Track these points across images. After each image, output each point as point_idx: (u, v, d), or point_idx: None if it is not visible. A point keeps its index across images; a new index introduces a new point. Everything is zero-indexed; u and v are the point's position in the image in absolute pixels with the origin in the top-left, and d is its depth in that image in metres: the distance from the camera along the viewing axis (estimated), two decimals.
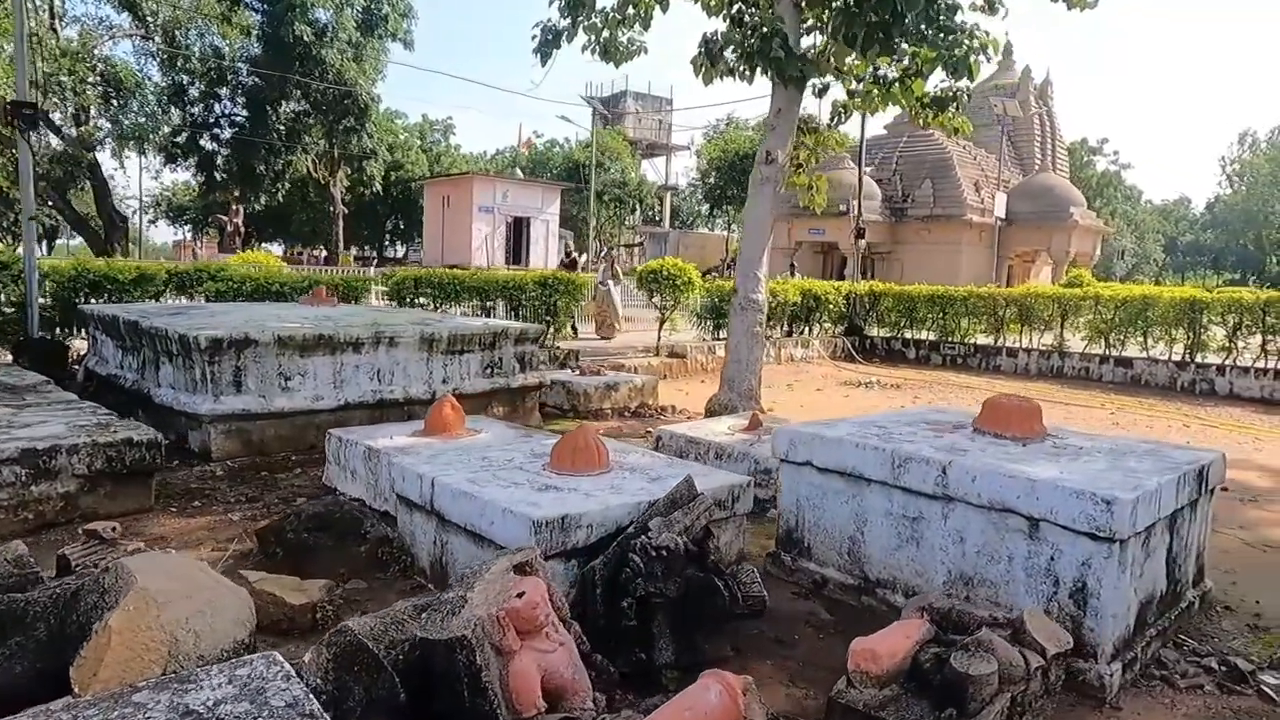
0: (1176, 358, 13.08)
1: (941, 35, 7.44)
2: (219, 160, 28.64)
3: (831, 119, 11.63)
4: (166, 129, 26.80)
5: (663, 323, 13.45)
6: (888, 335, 16.75)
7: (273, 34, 23.83)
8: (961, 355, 15.61)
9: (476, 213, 32.84)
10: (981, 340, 15.54)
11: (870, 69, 8.59)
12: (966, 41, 7.34)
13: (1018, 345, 14.98)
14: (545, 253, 35.18)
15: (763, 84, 10.74)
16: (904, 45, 7.82)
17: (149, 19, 24.73)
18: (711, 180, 47.90)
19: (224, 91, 26.90)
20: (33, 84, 20.40)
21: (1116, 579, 3.04)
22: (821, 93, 10.73)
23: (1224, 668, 3.37)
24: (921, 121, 10.91)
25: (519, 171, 48.03)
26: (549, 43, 8.95)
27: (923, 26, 7.35)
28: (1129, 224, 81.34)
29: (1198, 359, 12.93)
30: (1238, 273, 73.88)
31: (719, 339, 14.45)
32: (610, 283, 16.51)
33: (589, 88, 54.10)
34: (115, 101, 23.37)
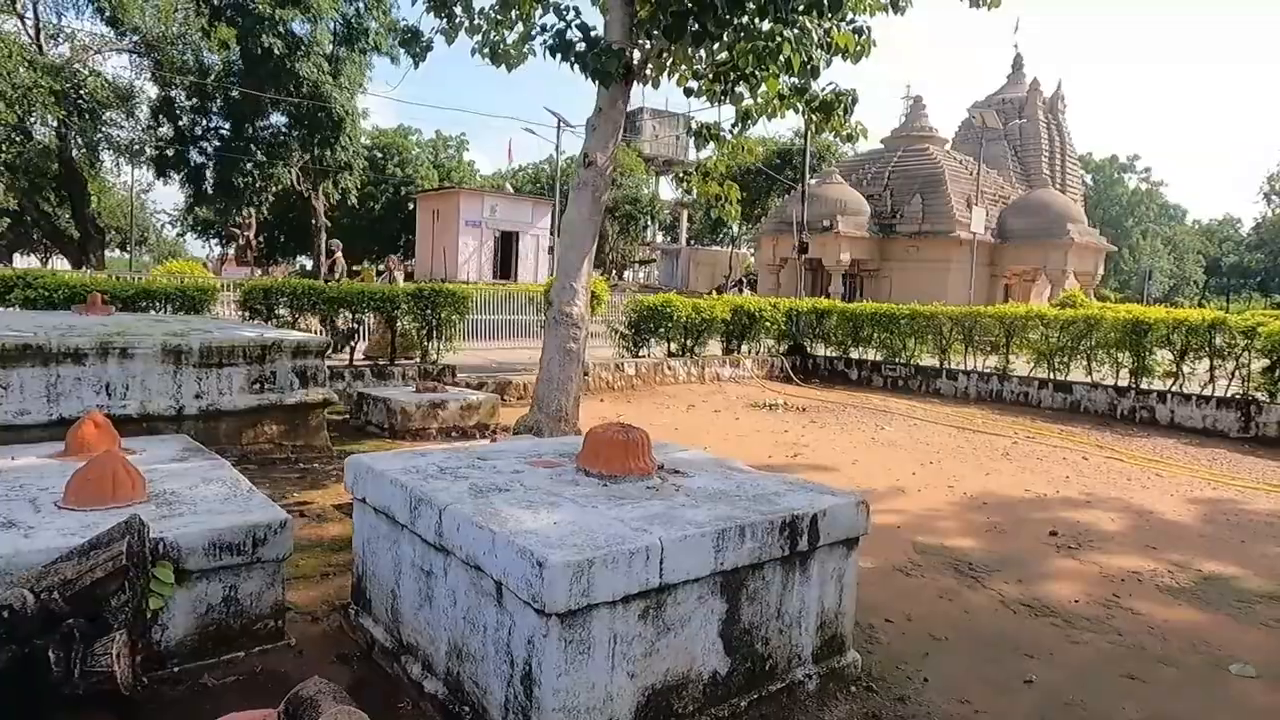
0: (1121, 383, 12.11)
1: (761, 28, 6.82)
2: (207, 174, 28.89)
3: (733, 125, 11.02)
4: (152, 142, 27.11)
5: None
6: (833, 355, 15.96)
7: (246, 48, 23.95)
8: (903, 377, 14.75)
9: (464, 226, 32.69)
10: (925, 362, 14.68)
11: (707, 68, 7.97)
12: (783, 37, 6.70)
13: (960, 368, 14.09)
14: (535, 267, 34.88)
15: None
16: (726, 38, 7.18)
17: (131, 33, 25.08)
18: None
19: (208, 105, 27.13)
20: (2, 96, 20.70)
21: (560, 665, 2.39)
22: (723, 96, 10.21)
23: None
24: (814, 128, 10.33)
25: (509, 186, 47.89)
26: (410, 41, 8.48)
27: (739, 18, 6.74)
28: (1166, 244, 78.65)
29: (1143, 384, 11.95)
30: None
31: (640, 356, 13.86)
32: None
33: None
34: (95, 113, 23.64)
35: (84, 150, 22.88)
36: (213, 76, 25.87)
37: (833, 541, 3.19)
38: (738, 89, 7.93)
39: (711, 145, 11.27)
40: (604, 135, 7.41)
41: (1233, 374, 11.10)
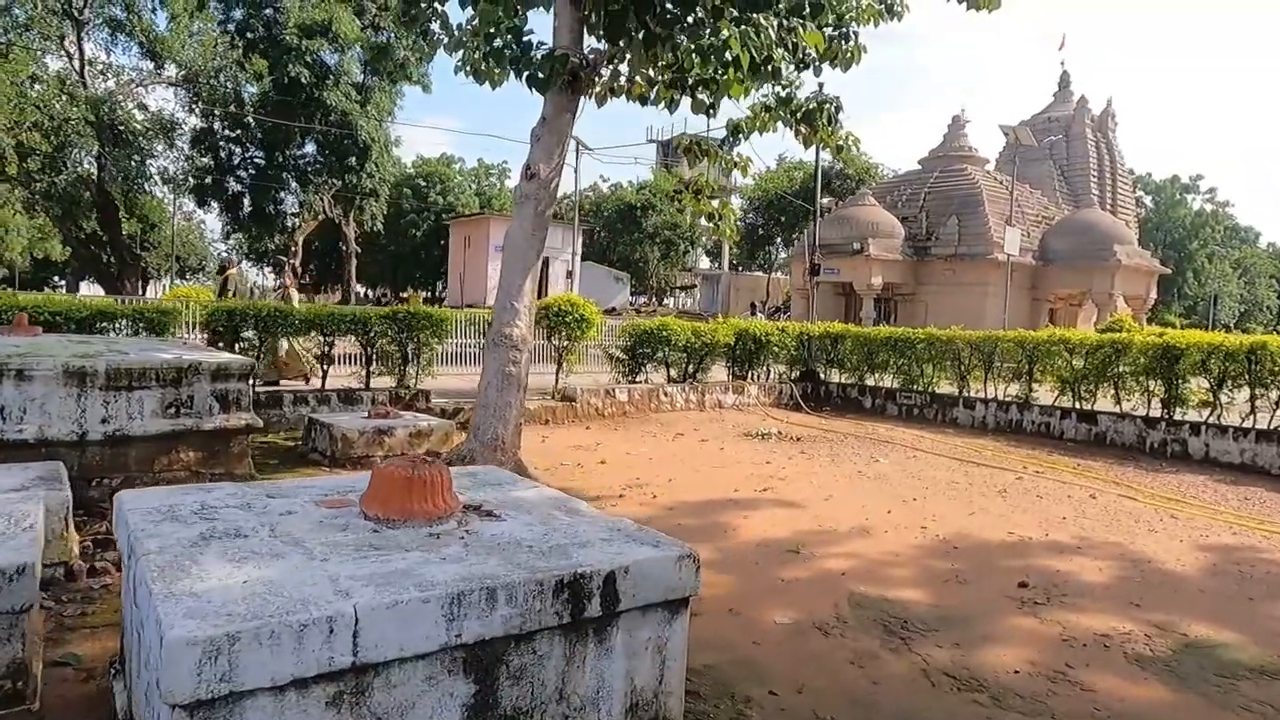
0: (1152, 413, 11.12)
1: (711, 27, 6.34)
2: (245, 202, 29.52)
3: (722, 140, 10.56)
4: (192, 172, 27.83)
5: (560, 364, 12.43)
6: (848, 382, 15.17)
7: (278, 78, 24.44)
8: (919, 406, 13.89)
9: (493, 252, 32.73)
10: (943, 389, 13.82)
11: (659, 72, 7.49)
12: (723, 38, 6.19)
13: (980, 396, 13.19)
14: (566, 291, 34.71)
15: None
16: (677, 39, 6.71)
17: (172, 66, 25.86)
18: (750, 219, 46.70)
19: (244, 135, 27.75)
20: (34, 125, 21.40)
21: None
22: (709, 110, 9.79)
23: None
24: (802, 141, 9.81)
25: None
26: (379, 56, 8.29)
27: (687, 15, 6.28)
28: (1235, 268, 75.07)
29: (1175, 415, 10.95)
30: None
31: (635, 382, 13.35)
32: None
33: (649, 131, 53.95)
34: (133, 144, 24.34)
35: (119, 180, 23.50)
36: (248, 107, 26.51)
37: (644, 605, 2.62)
38: (698, 94, 7.41)
39: (704, 161, 10.87)
40: (548, 146, 7.00)
41: (1276, 404, 10.07)
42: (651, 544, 2.77)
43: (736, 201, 54.73)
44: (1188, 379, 11.01)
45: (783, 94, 9.49)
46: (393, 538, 2.67)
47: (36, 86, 20.93)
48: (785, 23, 7.30)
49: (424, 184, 52.97)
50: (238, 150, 28.20)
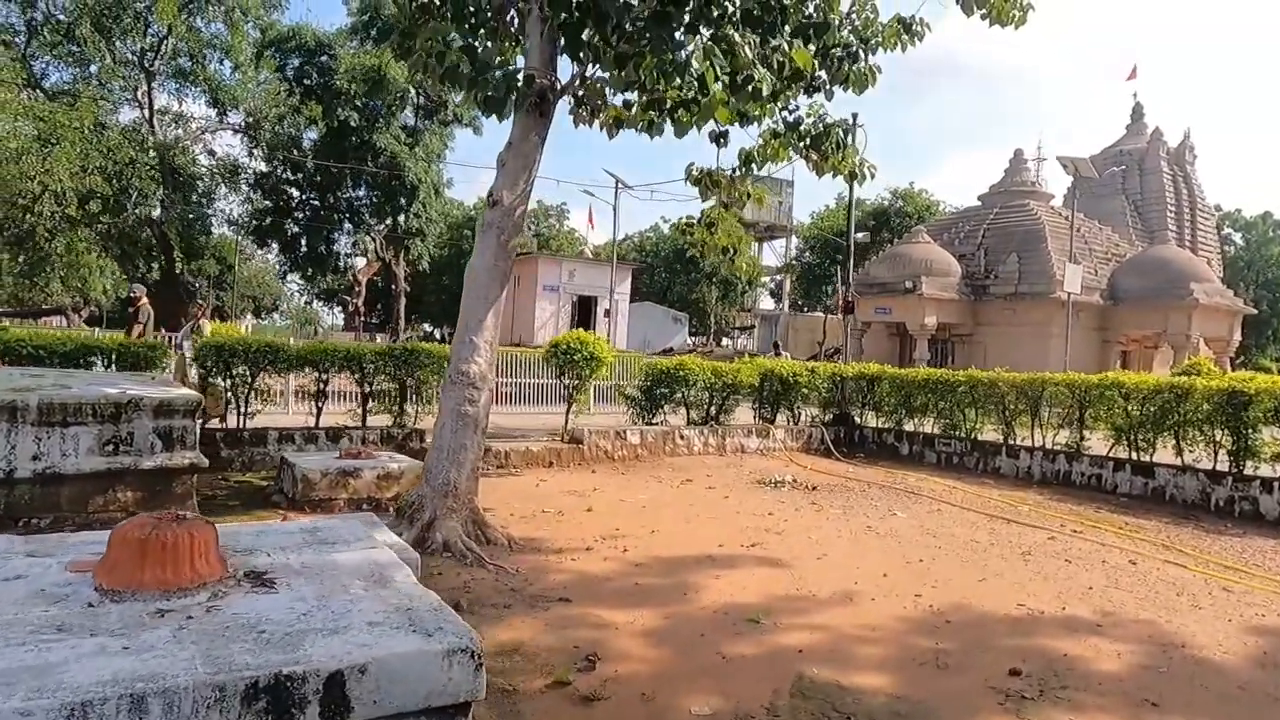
0: (1218, 466, 9.94)
1: (669, 41, 5.86)
2: (301, 243, 30.33)
3: (732, 170, 10.08)
4: (251, 213, 28.83)
5: (570, 403, 11.94)
6: (885, 426, 14.22)
7: (329, 122, 25.17)
8: (959, 454, 12.87)
9: (541, 291, 32.79)
10: (987, 436, 12.77)
11: (631, 92, 7.02)
12: (688, 52, 5.70)
13: (1025, 444, 12.12)
14: (613, 331, 34.41)
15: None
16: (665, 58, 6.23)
17: (236, 112, 26.96)
18: (807, 259, 45.82)
19: (301, 177, 28.62)
20: (99, 170, 22.34)
21: None
22: (718, 139, 9.36)
23: None
24: (814, 169, 9.27)
25: (587, 252, 48.01)
26: (374, 90, 8.06)
27: (641, 29, 5.82)
28: None
29: (1245, 469, 9.75)
30: None
31: (651, 423, 12.75)
32: (187, 346, 11.80)
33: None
34: (196, 187, 25.33)
35: (175, 222, 24.41)
36: (305, 151, 27.37)
37: (394, 714, 2.03)
38: (679, 116, 6.90)
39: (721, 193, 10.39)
40: (513, 172, 6.59)
41: None
42: (423, 632, 2.19)
43: (795, 242, 53.93)
44: (1259, 428, 9.82)
45: (790, 119, 9.00)
46: (101, 615, 2.16)
47: (105, 133, 21.94)
48: (771, 40, 6.79)
49: None
50: (295, 192, 29.11)
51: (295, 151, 28.05)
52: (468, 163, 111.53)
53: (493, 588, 5.37)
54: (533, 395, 15.05)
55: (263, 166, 27.99)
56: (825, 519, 8.32)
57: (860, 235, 24.59)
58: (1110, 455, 11.03)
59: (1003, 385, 12.47)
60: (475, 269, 6.57)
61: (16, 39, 22.76)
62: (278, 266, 33.15)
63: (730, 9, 6.32)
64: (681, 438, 12.34)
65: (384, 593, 2.58)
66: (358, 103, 24.38)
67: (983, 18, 8.49)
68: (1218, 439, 10.12)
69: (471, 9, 6.72)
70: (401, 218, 26.91)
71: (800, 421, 14.25)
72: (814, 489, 10.09)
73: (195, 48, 25.26)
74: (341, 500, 7.35)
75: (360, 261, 37.63)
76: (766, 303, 65.01)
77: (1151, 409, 10.70)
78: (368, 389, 10.17)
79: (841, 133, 8.46)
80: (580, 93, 7.00)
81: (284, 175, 28.93)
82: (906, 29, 9.05)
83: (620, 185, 26.49)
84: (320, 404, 10.02)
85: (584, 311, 34.21)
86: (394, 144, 25.08)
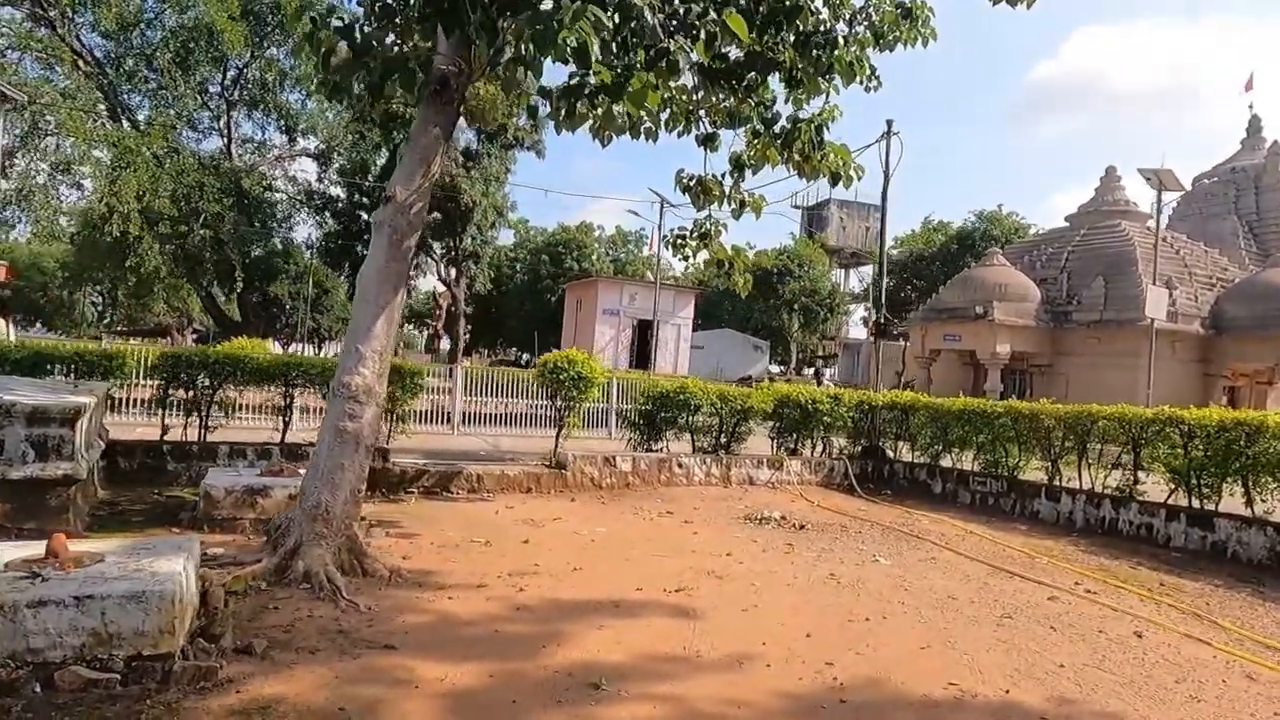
0: None
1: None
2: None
3: (721, 176, 9.31)
4: (325, 237, 29.72)
5: (560, 427, 11.26)
6: (920, 461, 12.88)
7: (389, 146, 25.71)
8: (995, 494, 11.46)
9: (601, 315, 32.49)
10: (1029, 475, 11.32)
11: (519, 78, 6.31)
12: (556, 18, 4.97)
13: (1071, 485, 10.63)
14: (675, 356, 33.68)
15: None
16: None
17: (308, 138, 27.98)
18: (889, 283, 43.85)
19: (370, 201, 29.35)
20: (169, 194, 23.31)
21: None
22: (706, 142, 8.72)
23: None
24: (797, 171, 8.44)
25: (647, 275, 47.35)
26: (335, 91, 7.71)
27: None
28: None
29: None
30: None
31: (652, 449, 11.94)
32: None
33: (795, 196, 52.74)
34: (265, 210, 26.28)
35: (236, 246, 25.28)
36: (371, 174, 28.06)
37: None
38: (598, 103, 6.17)
39: (727, 204, 9.66)
40: (410, 166, 6.05)
41: None
42: None
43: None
44: None
45: (767, 115, 8.20)
46: None
47: (176, 156, 22.98)
48: (694, 7, 6.04)
49: (561, 250, 54.32)
50: (363, 215, 29.86)
51: (364, 176, 28.75)
52: (526, 184, 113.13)
53: (319, 628, 4.70)
54: (541, 418, 14.45)
55: (339, 191, 28.91)
56: (789, 563, 7.31)
57: (894, 251, 22.92)
58: (1164, 502, 9.48)
59: (1046, 418, 11.03)
60: (365, 274, 6.02)
61: (107, 69, 24.17)
62: (347, 289, 34.00)
63: None
64: (680, 466, 11.46)
65: None
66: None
67: (993, 2, 7.59)
68: None
69: None
70: (458, 241, 27.13)
71: (824, 453, 13.10)
72: (801, 528, 9.03)
73: (270, 77, 26.32)
74: (247, 520, 6.89)
75: (441, 286, 38.35)
76: (859, 331, 62.73)
77: (1216, 448, 9.13)
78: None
79: (816, 130, 7.57)
80: (500, 80, 6.40)
81: (355, 199, 29.75)
82: (906, 14, 8.17)
83: (664, 204, 25.90)
84: (287, 418, 9.69)
85: (643, 336, 33.66)
86: (451, 166, 25.37)
